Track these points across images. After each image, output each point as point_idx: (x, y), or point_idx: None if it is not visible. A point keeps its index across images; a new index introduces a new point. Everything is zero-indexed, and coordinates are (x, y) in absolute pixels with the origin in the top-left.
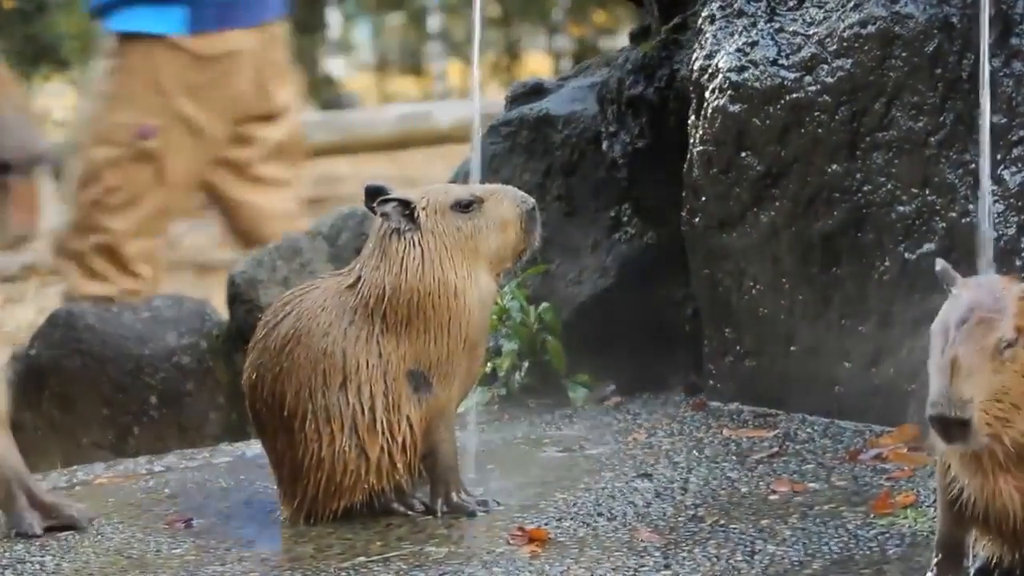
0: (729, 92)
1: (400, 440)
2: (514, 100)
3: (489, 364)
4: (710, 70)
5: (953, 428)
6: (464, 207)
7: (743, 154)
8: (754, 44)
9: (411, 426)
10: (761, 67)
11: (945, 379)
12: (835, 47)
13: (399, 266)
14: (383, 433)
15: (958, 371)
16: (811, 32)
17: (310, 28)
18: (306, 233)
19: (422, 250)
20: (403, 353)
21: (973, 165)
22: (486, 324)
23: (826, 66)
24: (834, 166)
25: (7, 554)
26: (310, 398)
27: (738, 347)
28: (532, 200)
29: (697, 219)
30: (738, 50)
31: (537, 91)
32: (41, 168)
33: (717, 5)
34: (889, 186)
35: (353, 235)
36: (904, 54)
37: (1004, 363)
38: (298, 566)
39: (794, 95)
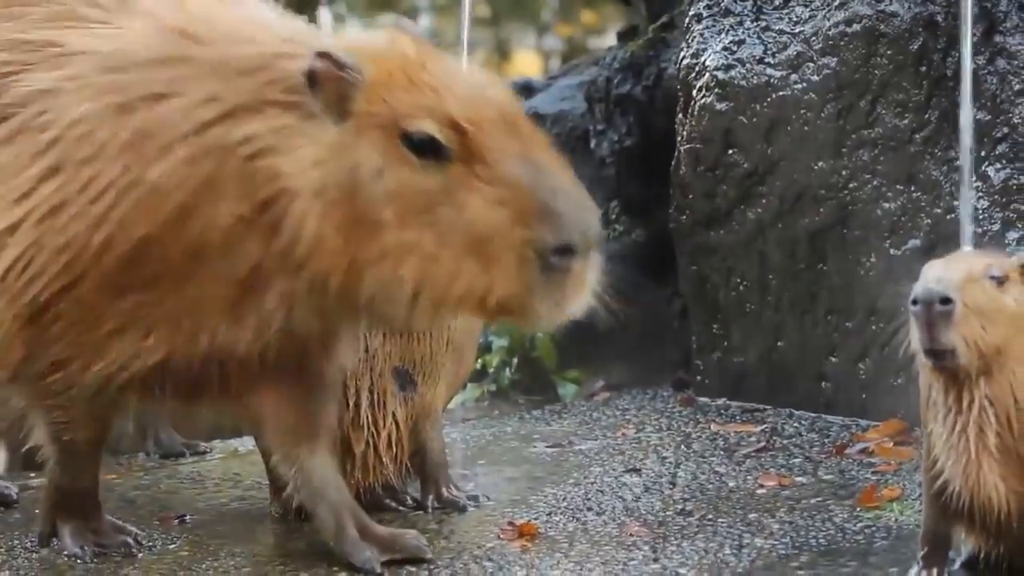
0: (716, 90)
1: (385, 436)
2: None
3: (479, 360)
4: (697, 68)
5: (937, 321)
6: None
7: (730, 152)
8: (740, 43)
9: (397, 423)
10: (748, 65)
11: (932, 271)
12: (821, 45)
13: None
14: (368, 429)
15: (947, 264)
16: (797, 30)
17: None
18: None
19: None
20: (388, 350)
21: (958, 162)
22: (472, 327)
23: (812, 64)
24: (820, 163)
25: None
26: None
27: (726, 343)
28: None
29: (684, 216)
30: (725, 49)
31: (526, 90)
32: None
33: (704, 4)
34: (874, 183)
35: None
36: (889, 52)
37: (989, 286)
38: (290, 562)
39: (780, 93)
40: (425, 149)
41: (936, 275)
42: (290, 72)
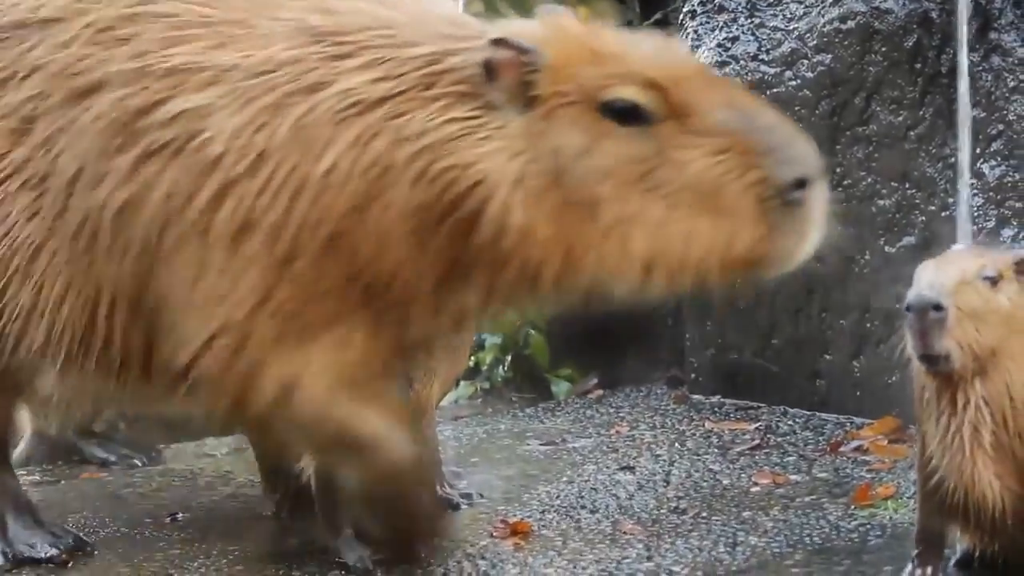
0: None
1: None
2: None
3: (472, 358)
4: None
5: (931, 328)
6: None
7: None
8: (735, 39)
9: None
10: (742, 62)
11: (926, 275)
12: (815, 42)
13: None
14: None
15: (939, 267)
16: (791, 27)
17: None
18: None
19: None
20: None
21: (953, 159)
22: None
23: (806, 61)
24: None
25: None
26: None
27: (719, 340)
28: None
29: None
30: (719, 45)
31: None
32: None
33: (697, 1)
34: (869, 180)
35: None
36: (884, 49)
37: (982, 287)
38: (283, 560)
39: (775, 90)
40: (628, 116)
41: (928, 280)
42: (460, 63)
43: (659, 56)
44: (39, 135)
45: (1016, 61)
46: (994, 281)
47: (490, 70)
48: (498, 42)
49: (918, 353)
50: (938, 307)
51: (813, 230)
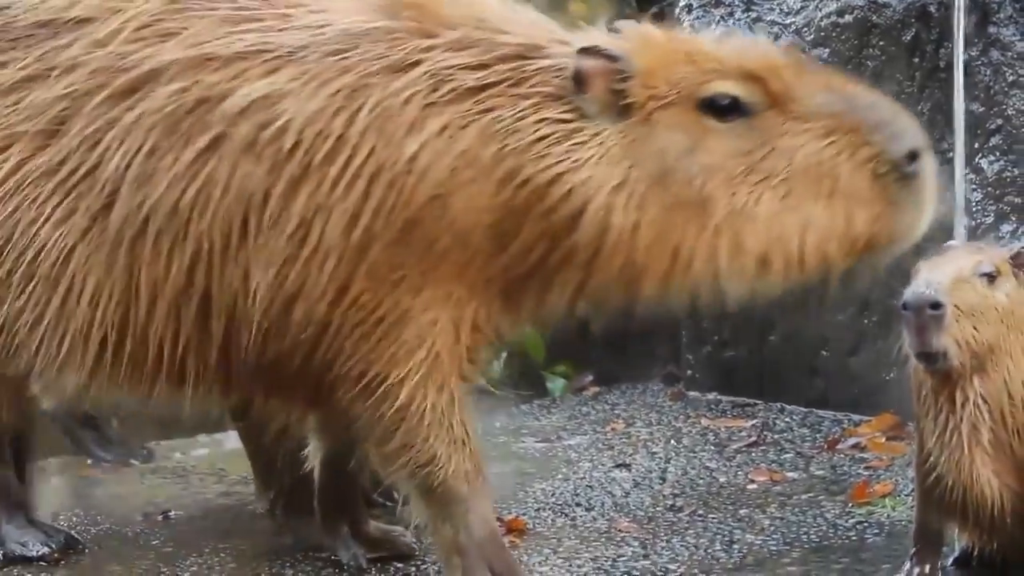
0: None
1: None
2: None
3: None
4: None
5: (928, 326)
6: None
7: None
8: (731, 34)
9: None
10: None
11: (923, 272)
12: (813, 36)
13: None
14: None
15: (936, 265)
16: (788, 21)
17: None
18: None
19: None
20: None
21: (951, 154)
22: None
23: (804, 55)
24: None
25: None
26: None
27: (716, 337)
28: None
29: None
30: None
31: None
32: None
33: None
34: None
35: None
36: (882, 43)
37: (979, 284)
38: (276, 557)
39: None
40: (728, 110)
41: (925, 277)
42: (548, 64)
43: (748, 49)
44: (75, 136)
45: (1015, 55)
46: (991, 277)
47: (580, 80)
48: (587, 51)
49: (916, 351)
50: (935, 305)
51: (929, 201)
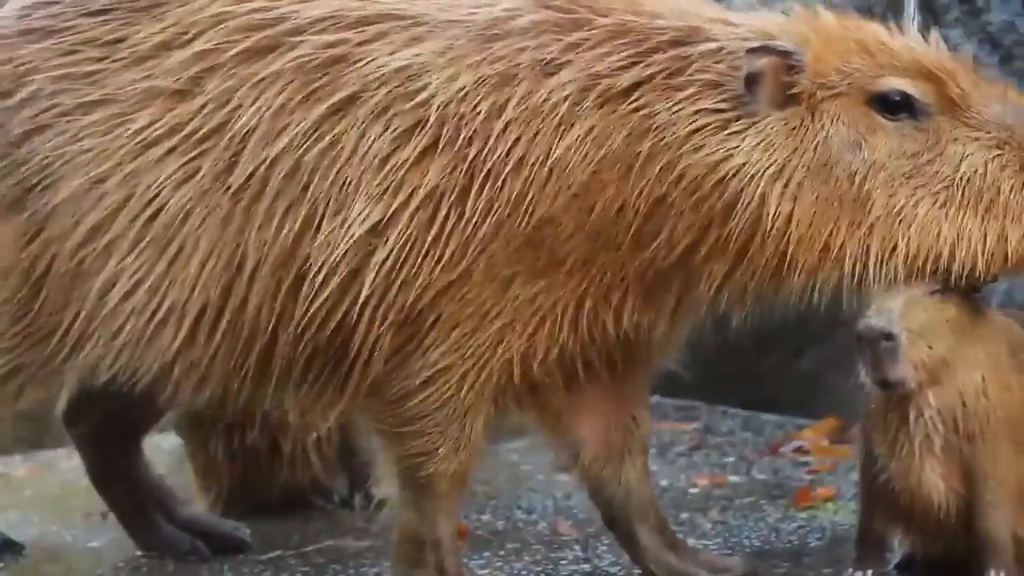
0: None
1: (314, 435)
2: None
3: None
4: None
5: (884, 357)
6: None
7: None
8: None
9: None
10: None
11: (877, 300)
12: None
13: None
14: (296, 427)
15: (887, 298)
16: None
17: None
18: None
19: None
20: None
21: None
22: None
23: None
24: None
25: None
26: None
27: None
28: None
29: None
30: None
31: None
32: None
33: None
34: None
35: None
36: None
37: (930, 304)
38: (215, 560)
39: None
40: (899, 108)
41: (877, 306)
42: (709, 50)
43: (926, 48)
44: (207, 94)
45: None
46: (941, 291)
47: (751, 82)
48: (758, 51)
49: (873, 380)
50: (888, 336)
51: None
